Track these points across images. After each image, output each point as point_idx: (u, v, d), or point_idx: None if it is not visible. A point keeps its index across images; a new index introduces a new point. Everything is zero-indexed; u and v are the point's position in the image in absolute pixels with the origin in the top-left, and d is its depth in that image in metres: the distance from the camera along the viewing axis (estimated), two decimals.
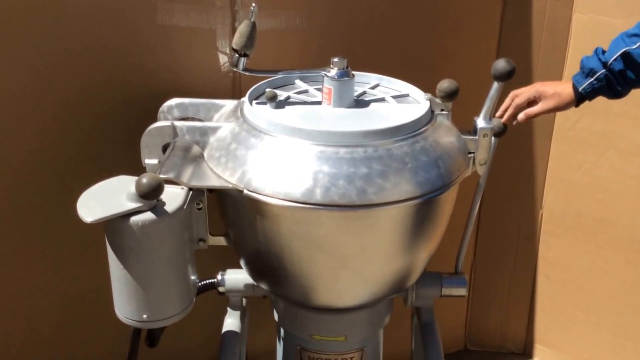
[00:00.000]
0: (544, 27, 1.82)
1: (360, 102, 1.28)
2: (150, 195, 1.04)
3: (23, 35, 1.41)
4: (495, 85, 1.22)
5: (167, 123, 1.21)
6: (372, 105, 1.27)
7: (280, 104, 1.25)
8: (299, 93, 1.31)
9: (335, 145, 1.09)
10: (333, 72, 1.23)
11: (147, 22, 1.50)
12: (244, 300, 1.49)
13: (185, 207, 1.11)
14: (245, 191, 1.10)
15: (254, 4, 1.23)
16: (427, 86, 1.30)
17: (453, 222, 1.28)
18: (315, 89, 1.32)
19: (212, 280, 1.41)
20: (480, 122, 1.24)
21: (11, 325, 1.63)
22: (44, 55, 1.44)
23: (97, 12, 1.45)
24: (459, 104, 1.27)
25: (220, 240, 1.24)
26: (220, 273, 1.42)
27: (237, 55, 1.26)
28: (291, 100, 1.28)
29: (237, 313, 1.46)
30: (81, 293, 1.66)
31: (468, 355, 2.24)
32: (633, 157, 1.80)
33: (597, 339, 2.01)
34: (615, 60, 1.27)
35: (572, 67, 1.81)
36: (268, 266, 1.21)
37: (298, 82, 1.36)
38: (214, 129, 1.20)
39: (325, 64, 1.26)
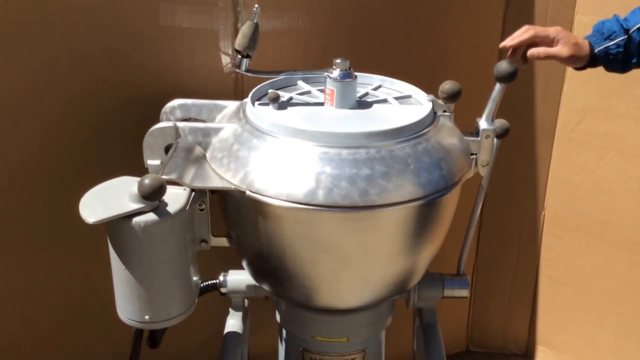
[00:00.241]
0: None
1: (362, 103, 1.28)
2: (153, 196, 1.04)
3: (25, 36, 1.41)
4: (498, 86, 1.22)
5: (170, 124, 1.21)
6: (375, 106, 1.27)
7: (283, 105, 1.25)
8: (301, 94, 1.31)
9: (338, 147, 1.09)
10: (336, 73, 1.23)
11: (150, 23, 1.50)
12: (246, 301, 1.49)
13: (187, 208, 1.11)
14: (248, 192, 1.10)
15: (256, 5, 1.23)
16: (429, 87, 1.30)
17: (455, 224, 1.28)
18: (318, 90, 1.31)
19: (214, 281, 1.41)
20: (483, 124, 1.24)
21: (12, 326, 1.63)
22: (46, 56, 1.44)
23: (100, 13, 1.45)
24: (461, 105, 1.27)
25: (223, 241, 1.24)
26: (222, 274, 1.42)
27: (239, 57, 1.26)
28: (293, 101, 1.28)
29: (239, 314, 1.46)
30: (83, 294, 1.66)
31: (470, 356, 2.23)
32: (635, 159, 1.80)
33: (599, 340, 2.01)
34: (638, 28, 1.22)
35: None
36: (270, 267, 1.21)
37: (300, 83, 1.36)
38: (217, 130, 1.20)
39: (327, 65, 1.26)
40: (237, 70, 1.27)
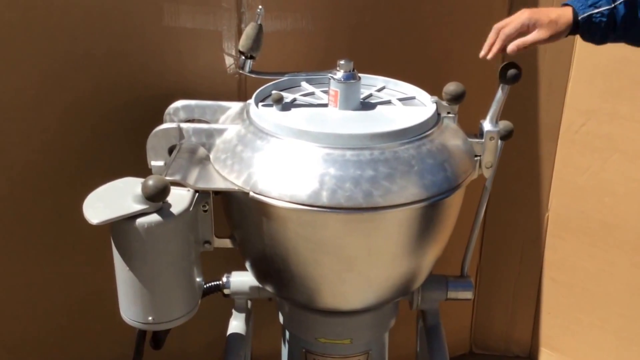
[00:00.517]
0: None
1: (366, 105, 1.27)
2: (157, 197, 1.04)
3: (29, 37, 1.41)
4: (502, 88, 1.21)
5: (173, 125, 1.21)
6: (379, 107, 1.27)
7: (287, 106, 1.25)
8: (305, 95, 1.31)
9: (342, 148, 1.09)
10: (339, 74, 1.23)
11: (153, 24, 1.50)
12: (249, 303, 1.49)
13: (191, 209, 1.11)
14: (251, 194, 1.09)
15: (260, 7, 1.23)
16: (432, 89, 1.30)
17: (459, 225, 1.28)
18: (322, 91, 1.31)
19: (217, 283, 1.41)
20: (487, 125, 1.23)
21: (14, 327, 1.63)
22: (50, 57, 1.44)
23: (103, 13, 1.45)
24: (465, 107, 1.27)
25: (226, 243, 1.24)
26: (225, 275, 1.42)
27: (243, 58, 1.26)
28: (297, 102, 1.28)
29: (243, 315, 1.46)
30: (85, 295, 1.66)
31: (473, 358, 2.23)
32: (639, 161, 1.79)
33: (603, 343, 2.01)
34: (624, 1, 1.15)
35: (578, 69, 1.80)
36: (274, 268, 1.21)
37: (304, 84, 1.36)
38: (220, 131, 1.20)
39: (330, 66, 1.25)
40: (240, 71, 1.27)
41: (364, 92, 1.30)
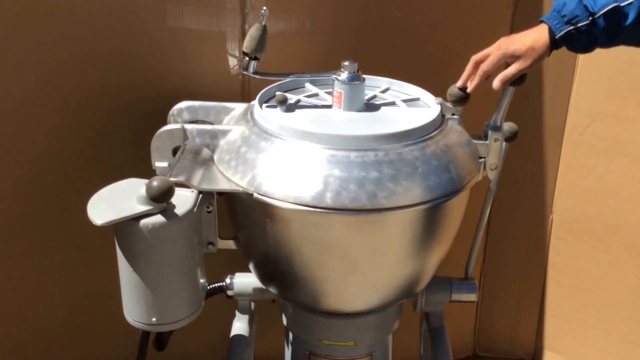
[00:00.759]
0: None
1: (370, 106, 1.27)
2: (161, 198, 1.04)
3: (33, 37, 1.41)
4: (507, 90, 1.21)
5: (178, 126, 1.21)
6: (383, 109, 1.27)
7: (291, 108, 1.24)
8: (309, 96, 1.31)
9: (346, 149, 1.09)
10: (344, 75, 1.23)
11: (157, 25, 1.50)
12: (252, 304, 1.48)
13: (195, 210, 1.11)
14: (256, 195, 1.09)
15: (265, 8, 1.23)
16: (435, 90, 1.30)
17: (463, 227, 1.28)
18: (326, 92, 1.31)
19: (221, 284, 1.41)
20: (492, 127, 1.23)
21: (17, 327, 1.63)
22: (54, 57, 1.45)
23: (107, 14, 1.46)
24: (469, 108, 1.26)
25: (230, 244, 1.23)
26: (228, 277, 1.42)
27: (247, 59, 1.26)
28: (301, 103, 1.27)
29: (246, 317, 1.45)
30: (88, 296, 1.66)
31: None
32: None
33: (607, 346, 2.00)
34: (603, 14, 1.09)
35: (583, 71, 1.80)
36: (277, 270, 1.20)
37: (308, 85, 1.36)
38: (224, 132, 1.20)
39: (334, 67, 1.25)
40: (244, 72, 1.27)
41: (368, 93, 1.30)
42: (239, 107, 1.31)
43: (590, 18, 1.11)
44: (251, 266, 1.30)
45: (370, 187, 1.06)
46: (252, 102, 1.26)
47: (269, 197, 1.08)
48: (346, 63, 1.23)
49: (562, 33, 1.12)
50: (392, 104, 1.29)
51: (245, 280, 1.41)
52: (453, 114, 1.24)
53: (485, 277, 2.12)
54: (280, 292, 1.30)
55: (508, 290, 2.13)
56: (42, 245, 1.58)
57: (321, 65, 1.37)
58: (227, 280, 1.41)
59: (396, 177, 1.08)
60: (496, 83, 1.16)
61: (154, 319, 1.12)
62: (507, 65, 1.16)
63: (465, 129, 1.25)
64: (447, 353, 1.40)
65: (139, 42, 1.50)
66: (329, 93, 1.28)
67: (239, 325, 1.44)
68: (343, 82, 1.23)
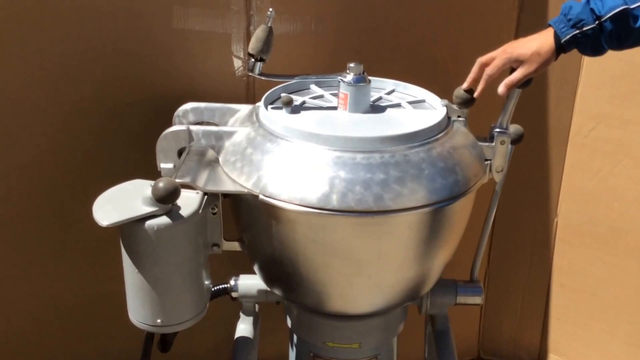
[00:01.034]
0: None
1: (376, 108, 1.27)
2: (167, 200, 1.04)
3: (38, 37, 1.41)
4: (513, 92, 1.20)
5: (183, 127, 1.21)
6: (388, 110, 1.27)
7: (296, 109, 1.24)
8: (314, 98, 1.31)
9: (352, 151, 1.09)
10: (349, 77, 1.23)
11: (163, 26, 1.50)
12: (257, 306, 1.48)
13: (200, 211, 1.11)
14: (261, 196, 1.09)
15: (271, 9, 1.23)
16: (440, 92, 1.30)
17: (467, 230, 1.27)
18: (331, 94, 1.31)
19: (225, 286, 1.41)
20: (498, 129, 1.23)
21: (19, 327, 1.62)
22: (58, 57, 1.45)
23: (113, 15, 1.46)
24: (475, 110, 1.26)
25: (235, 246, 1.23)
26: (233, 278, 1.42)
27: (253, 60, 1.25)
28: (307, 105, 1.27)
29: (250, 319, 1.45)
30: (91, 297, 1.66)
31: None
32: None
33: (612, 349, 1.99)
34: (610, 17, 1.08)
35: (588, 73, 1.80)
36: (282, 272, 1.20)
37: (313, 87, 1.35)
38: (230, 134, 1.20)
39: (339, 69, 1.25)
40: (250, 73, 1.27)
41: (374, 95, 1.30)
42: (244, 109, 1.31)
43: (597, 22, 1.09)
44: (256, 268, 1.30)
45: (376, 188, 1.06)
46: (258, 104, 1.26)
47: (274, 198, 1.08)
48: (352, 65, 1.23)
49: (568, 37, 1.11)
50: (398, 105, 1.29)
51: (250, 282, 1.41)
52: (459, 116, 1.24)
53: (489, 280, 2.11)
54: (285, 294, 1.29)
55: (513, 293, 2.12)
56: (45, 246, 1.58)
57: (327, 67, 1.37)
58: (232, 282, 1.41)
59: (402, 179, 1.07)
60: (501, 88, 1.15)
61: (158, 320, 1.12)
62: (512, 70, 1.16)
63: (470, 131, 1.25)
64: (452, 356, 1.40)
65: (144, 43, 1.50)
66: (335, 95, 1.28)
67: (244, 327, 1.44)
68: (349, 83, 1.22)
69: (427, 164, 1.10)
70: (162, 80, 1.53)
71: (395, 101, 1.31)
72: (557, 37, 1.12)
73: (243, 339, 1.42)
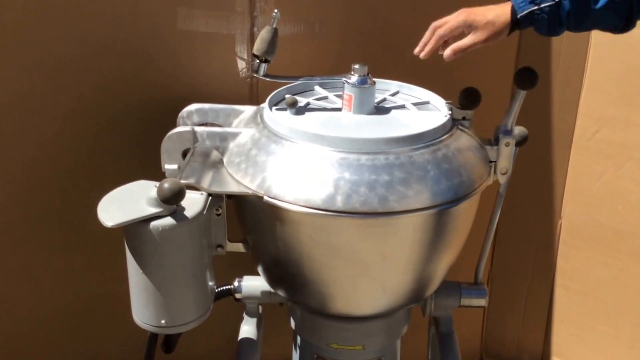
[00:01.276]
0: (564, 36, 1.80)
1: (380, 109, 1.27)
2: (172, 200, 1.04)
3: (42, 38, 1.42)
4: (518, 93, 1.21)
5: (188, 128, 1.21)
6: (393, 112, 1.27)
7: (300, 110, 1.24)
8: (318, 99, 1.30)
9: (357, 152, 1.08)
10: (354, 78, 1.23)
11: (167, 27, 1.50)
12: (260, 308, 1.48)
13: (204, 212, 1.11)
14: (266, 197, 1.09)
15: (276, 10, 1.23)
16: (444, 94, 1.29)
17: (472, 232, 1.27)
18: (335, 95, 1.31)
19: (229, 287, 1.41)
20: (502, 131, 1.22)
21: (22, 330, 1.63)
22: (63, 57, 1.45)
23: (117, 16, 1.46)
24: (479, 112, 1.26)
25: (239, 247, 1.23)
26: (237, 279, 1.42)
27: (257, 61, 1.25)
28: (311, 106, 1.27)
29: (254, 320, 1.45)
30: (94, 297, 1.66)
31: None
32: None
33: (615, 352, 1.99)
34: None
35: (592, 76, 1.79)
36: (287, 273, 1.20)
37: (317, 88, 1.35)
38: (234, 135, 1.20)
39: (343, 70, 1.25)
40: (255, 75, 1.27)
41: (378, 97, 1.30)
42: (248, 110, 1.31)
43: (554, 0, 1.08)
44: (260, 269, 1.30)
45: (381, 190, 1.06)
46: (262, 105, 1.26)
47: (279, 199, 1.08)
48: (356, 66, 1.23)
49: (525, 13, 1.09)
50: (402, 107, 1.29)
51: (253, 283, 1.41)
52: (463, 118, 1.23)
53: (493, 282, 2.11)
54: (289, 295, 1.29)
55: (516, 296, 2.12)
56: (48, 247, 1.58)
57: (331, 68, 1.37)
58: (235, 283, 1.41)
59: (407, 180, 1.07)
60: (447, 52, 1.14)
61: (163, 321, 1.12)
62: (464, 36, 1.14)
63: (475, 133, 1.25)
64: (456, 359, 1.40)
65: (149, 44, 1.50)
66: (339, 96, 1.28)
67: (247, 329, 1.44)
68: (353, 85, 1.22)
69: (432, 166, 1.10)
70: (167, 81, 1.53)
71: (399, 103, 1.31)
72: (513, 12, 1.11)
73: (246, 340, 1.42)
